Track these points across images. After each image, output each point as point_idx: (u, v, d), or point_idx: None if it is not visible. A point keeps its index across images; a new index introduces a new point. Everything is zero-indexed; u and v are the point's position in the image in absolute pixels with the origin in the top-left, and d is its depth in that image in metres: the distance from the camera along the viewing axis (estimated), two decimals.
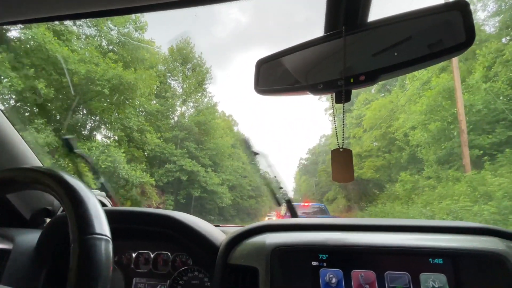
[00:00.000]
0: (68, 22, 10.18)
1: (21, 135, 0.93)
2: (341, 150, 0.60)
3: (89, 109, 12.15)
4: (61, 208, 1.04)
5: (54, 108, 10.75)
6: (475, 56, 10.95)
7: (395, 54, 0.52)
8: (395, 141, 15.99)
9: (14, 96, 8.83)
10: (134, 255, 0.92)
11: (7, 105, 8.85)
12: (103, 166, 10.43)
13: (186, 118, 19.16)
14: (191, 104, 20.07)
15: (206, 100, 20.40)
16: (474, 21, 0.47)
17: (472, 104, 9.94)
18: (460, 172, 9.40)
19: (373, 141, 19.16)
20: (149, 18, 13.88)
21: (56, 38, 9.53)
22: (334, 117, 0.61)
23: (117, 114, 12.69)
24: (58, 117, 11.17)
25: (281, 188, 1.29)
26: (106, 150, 10.99)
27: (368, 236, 0.70)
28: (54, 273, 0.81)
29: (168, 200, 15.66)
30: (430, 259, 0.62)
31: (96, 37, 12.19)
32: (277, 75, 0.66)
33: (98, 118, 12.84)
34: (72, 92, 10.67)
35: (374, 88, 21.78)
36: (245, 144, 1.31)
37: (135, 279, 0.90)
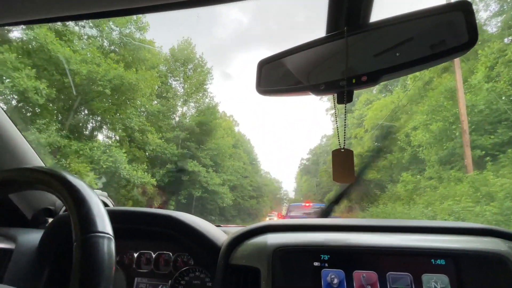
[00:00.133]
0: (70, 23, 10.22)
1: (23, 135, 0.94)
2: (342, 150, 0.60)
3: (91, 109, 12.20)
4: (63, 208, 1.04)
5: (56, 108, 10.80)
6: (477, 56, 10.90)
7: (397, 54, 0.52)
8: (396, 141, 15.95)
9: (16, 96, 8.87)
10: (135, 255, 0.92)
11: (9, 105, 8.90)
12: (104, 166, 10.47)
13: (187, 118, 19.21)
14: (192, 104, 20.15)
15: (207, 100, 20.47)
16: (476, 21, 0.47)
17: (474, 104, 9.90)
18: (462, 173, 9.36)
19: (374, 142, 19.12)
20: (151, 18, 13.93)
21: (58, 38, 9.58)
22: (336, 117, 0.61)
23: (118, 114, 12.73)
24: (60, 117, 11.22)
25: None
26: (107, 150, 11.04)
27: (369, 237, 0.70)
28: (56, 272, 0.81)
29: (169, 200, 15.68)
30: (432, 260, 0.62)
31: (98, 38, 12.24)
32: (278, 75, 0.66)
33: (99, 118, 12.89)
34: (74, 92, 10.72)
35: (375, 89, 21.75)
36: None
37: (136, 279, 0.90)
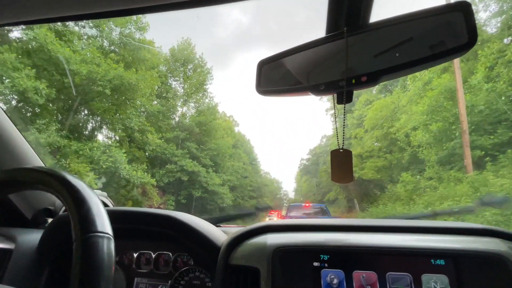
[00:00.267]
0: (70, 23, 10.22)
1: (23, 135, 0.94)
2: (341, 150, 0.60)
3: (91, 109, 12.19)
4: (63, 208, 1.04)
5: (55, 109, 10.79)
6: (477, 56, 10.91)
7: (397, 55, 0.52)
8: (396, 141, 15.96)
9: (16, 96, 8.87)
10: (135, 255, 0.92)
11: (9, 105, 8.89)
12: (104, 167, 10.46)
13: (187, 118, 19.20)
14: (192, 104, 20.14)
15: (207, 100, 20.47)
16: (476, 22, 0.47)
17: (474, 105, 9.91)
18: (462, 173, 9.37)
19: (374, 142, 19.13)
20: (151, 19, 13.93)
21: (58, 38, 9.58)
22: (335, 117, 0.61)
23: (118, 115, 12.73)
24: (60, 117, 11.21)
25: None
26: (107, 150, 11.02)
27: (369, 237, 0.70)
28: (56, 272, 0.81)
29: (169, 200, 15.67)
30: (432, 260, 0.62)
31: (98, 38, 12.24)
32: (278, 76, 0.66)
33: (99, 118, 12.88)
34: (74, 93, 10.71)
35: (375, 89, 21.76)
36: None
37: (136, 279, 0.90)
